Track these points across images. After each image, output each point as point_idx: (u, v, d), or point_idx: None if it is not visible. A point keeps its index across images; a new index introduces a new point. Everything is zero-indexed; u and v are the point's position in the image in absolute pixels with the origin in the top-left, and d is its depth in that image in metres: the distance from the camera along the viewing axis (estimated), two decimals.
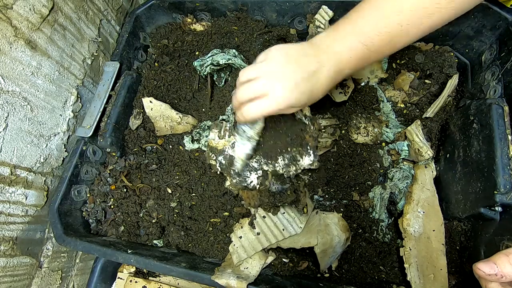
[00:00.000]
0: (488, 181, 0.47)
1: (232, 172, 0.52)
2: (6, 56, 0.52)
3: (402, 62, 0.64)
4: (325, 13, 0.64)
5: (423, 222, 0.54)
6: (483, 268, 0.33)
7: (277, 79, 0.42)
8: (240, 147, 0.50)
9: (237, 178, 0.51)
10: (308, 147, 0.50)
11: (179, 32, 0.74)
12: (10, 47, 0.52)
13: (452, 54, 0.62)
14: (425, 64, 0.62)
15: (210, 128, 0.58)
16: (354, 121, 0.63)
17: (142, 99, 0.66)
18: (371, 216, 0.59)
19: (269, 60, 0.44)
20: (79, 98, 0.69)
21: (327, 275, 0.54)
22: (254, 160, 0.51)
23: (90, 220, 0.63)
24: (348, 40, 0.44)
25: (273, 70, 0.43)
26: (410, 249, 0.52)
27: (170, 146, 0.68)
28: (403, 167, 0.60)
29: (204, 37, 0.72)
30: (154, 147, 0.68)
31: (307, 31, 0.69)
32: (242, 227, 0.55)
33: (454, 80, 0.59)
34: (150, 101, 0.65)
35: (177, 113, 0.65)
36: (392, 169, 0.61)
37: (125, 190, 0.63)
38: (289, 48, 0.45)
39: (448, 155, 0.58)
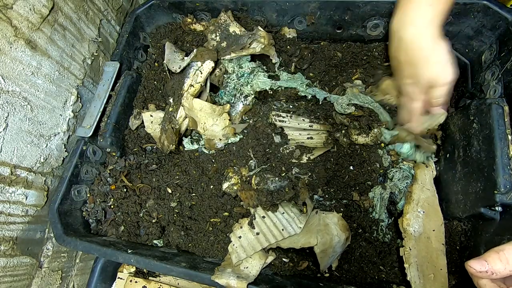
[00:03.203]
0: (488, 181, 0.47)
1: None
2: (6, 56, 0.52)
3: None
4: None
5: (423, 222, 0.54)
6: (474, 265, 0.33)
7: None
8: None
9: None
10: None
11: (179, 32, 0.74)
12: (10, 47, 0.52)
13: None
14: None
15: None
16: (354, 122, 0.63)
17: (142, 114, 0.66)
18: (371, 216, 0.59)
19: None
20: (79, 98, 0.69)
21: (327, 275, 0.54)
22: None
23: (90, 220, 0.63)
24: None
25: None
26: (410, 249, 0.52)
27: None
28: (403, 167, 0.60)
29: (204, 37, 0.72)
30: (154, 147, 0.68)
31: (307, 31, 0.69)
32: (241, 227, 0.55)
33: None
34: (151, 115, 0.65)
35: None
36: (392, 169, 0.61)
37: (125, 190, 0.63)
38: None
39: (448, 155, 0.58)
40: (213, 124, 0.61)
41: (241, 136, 0.64)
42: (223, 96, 0.66)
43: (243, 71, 0.65)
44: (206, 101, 0.66)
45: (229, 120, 0.61)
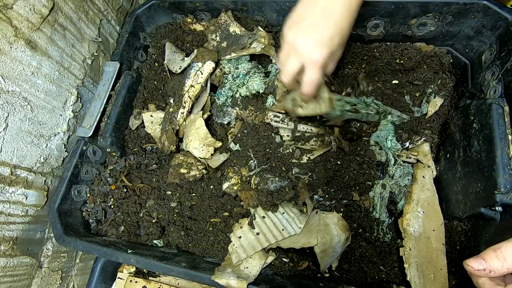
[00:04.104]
0: (489, 181, 0.47)
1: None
2: (6, 56, 0.52)
3: (401, 62, 0.64)
4: None
5: (423, 222, 0.54)
6: (472, 264, 0.34)
7: (302, 38, 0.46)
8: None
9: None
10: None
11: (179, 32, 0.74)
12: (10, 47, 0.52)
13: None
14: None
15: None
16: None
17: (142, 114, 0.66)
18: (371, 215, 0.59)
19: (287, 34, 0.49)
20: (79, 98, 0.69)
21: (327, 275, 0.54)
22: None
23: (90, 220, 0.63)
24: None
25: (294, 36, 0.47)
26: (410, 249, 0.52)
27: None
28: (403, 164, 0.60)
29: (204, 38, 0.72)
30: (154, 147, 0.68)
31: None
32: (241, 227, 0.55)
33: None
34: (151, 115, 0.65)
35: None
36: (393, 166, 0.61)
37: (125, 190, 0.63)
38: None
39: (448, 155, 0.58)
40: (196, 148, 0.61)
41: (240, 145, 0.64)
42: (219, 96, 0.66)
43: (238, 72, 0.65)
44: (206, 101, 0.66)
45: (212, 154, 0.61)
